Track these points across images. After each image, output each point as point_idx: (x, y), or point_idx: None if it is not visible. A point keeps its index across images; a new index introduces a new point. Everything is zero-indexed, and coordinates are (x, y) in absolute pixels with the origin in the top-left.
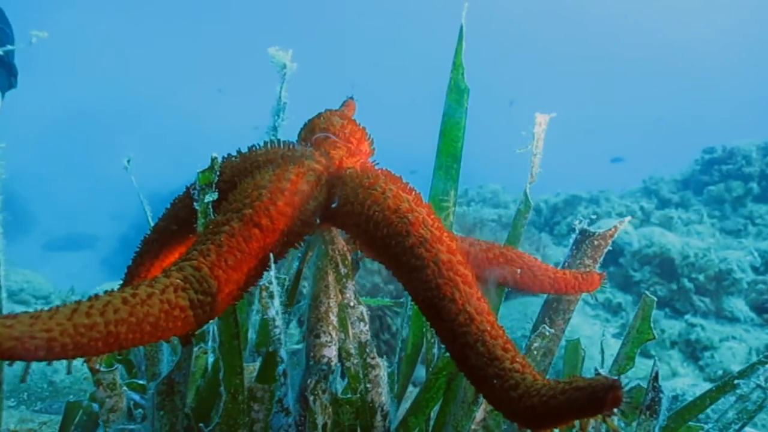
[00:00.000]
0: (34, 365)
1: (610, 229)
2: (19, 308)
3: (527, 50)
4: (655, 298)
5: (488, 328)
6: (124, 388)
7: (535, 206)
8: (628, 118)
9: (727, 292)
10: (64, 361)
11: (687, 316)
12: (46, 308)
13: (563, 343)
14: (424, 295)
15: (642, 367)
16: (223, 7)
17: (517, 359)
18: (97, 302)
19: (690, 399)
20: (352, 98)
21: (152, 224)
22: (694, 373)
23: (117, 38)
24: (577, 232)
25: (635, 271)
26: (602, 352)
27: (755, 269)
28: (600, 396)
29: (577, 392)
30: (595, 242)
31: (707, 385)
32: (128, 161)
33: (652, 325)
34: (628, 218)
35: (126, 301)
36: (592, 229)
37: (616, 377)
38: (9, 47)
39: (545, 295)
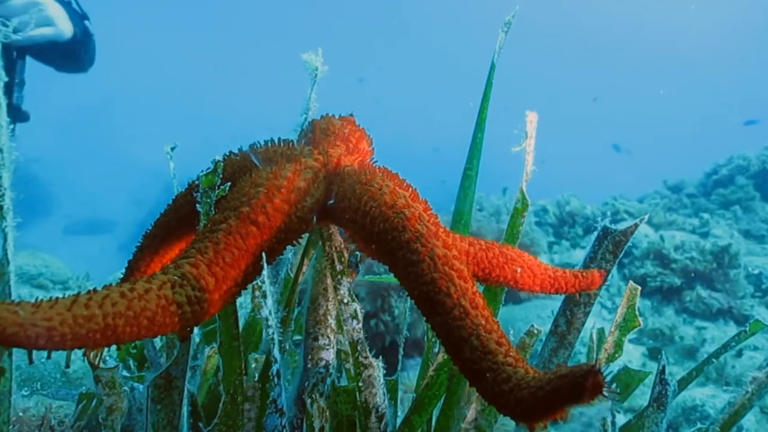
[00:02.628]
0: (46, 353)
1: (630, 226)
2: (37, 292)
3: (547, 59)
4: (639, 287)
5: (483, 323)
6: (130, 383)
7: (543, 208)
8: (644, 123)
9: (731, 266)
10: (78, 351)
11: (706, 323)
12: (62, 294)
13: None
14: (419, 290)
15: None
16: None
17: (511, 353)
18: (96, 295)
19: (709, 410)
20: (352, 115)
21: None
22: (715, 383)
23: (140, 27)
24: (599, 229)
25: (638, 269)
26: (591, 341)
27: None
28: (580, 382)
29: (560, 380)
30: (616, 239)
31: (727, 396)
32: (172, 148)
33: (637, 312)
34: (647, 216)
35: (124, 295)
36: (613, 226)
37: (594, 363)
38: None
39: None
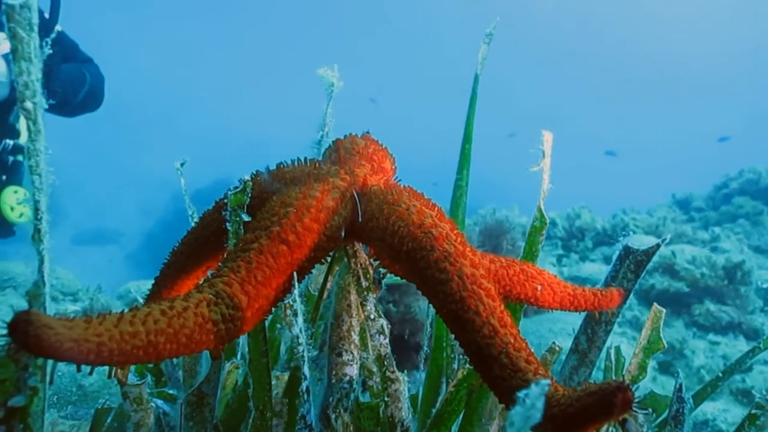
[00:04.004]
0: (64, 367)
1: (652, 247)
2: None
3: (555, 72)
4: (664, 310)
5: (512, 341)
6: (153, 400)
7: (551, 220)
8: (653, 139)
9: (743, 282)
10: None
11: (716, 337)
12: (74, 305)
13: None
14: (448, 308)
15: (669, 387)
16: (253, 12)
17: (540, 371)
18: (139, 312)
19: (721, 425)
20: (368, 132)
21: (192, 222)
22: (726, 397)
23: (149, 37)
24: (621, 248)
25: (647, 281)
26: (609, 360)
27: None
28: (610, 398)
29: (590, 398)
30: (638, 258)
31: (740, 410)
32: (182, 164)
33: (662, 335)
34: (669, 236)
35: (164, 313)
36: (634, 245)
37: (623, 379)
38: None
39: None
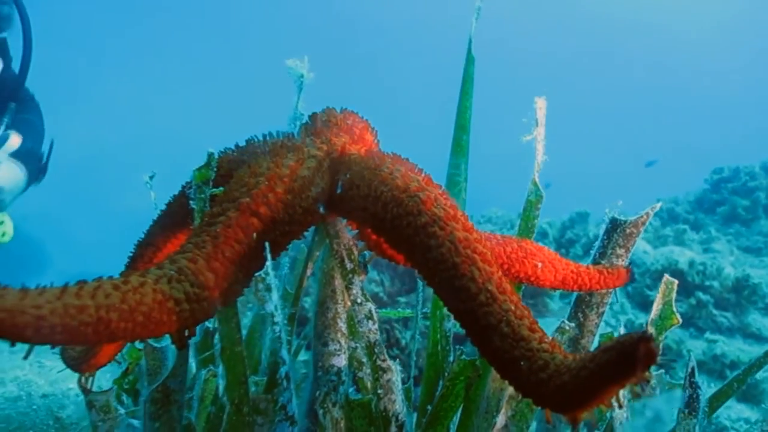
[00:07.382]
0: (39, 401)
1: (641, 216)
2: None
3: (537, 73)
4: (676, 281)
5: (512, 308)
6: (123, 415)
7: (542, 229)
8: (639, 143)
9: (749, 301)
10: (71, 396)
11: (712, 335)
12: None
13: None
14: (440, 276)
15: None
16: (235, 43)
17: (546, 339)
18: (87, 286)
19: (723, 420)
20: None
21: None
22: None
23: (130, 77)
24: (607, 221)
25: (650, 290)
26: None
27: None
28: (631, 351)
29: (606, 354)
30: (627, 230)
31: (740, 406)
32: (151, 177)
33: (675, 308)
34: (659, 204)
35: (117, 288)
36: (622, 217)
37: (645, 329)
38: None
39: (555, 308)
